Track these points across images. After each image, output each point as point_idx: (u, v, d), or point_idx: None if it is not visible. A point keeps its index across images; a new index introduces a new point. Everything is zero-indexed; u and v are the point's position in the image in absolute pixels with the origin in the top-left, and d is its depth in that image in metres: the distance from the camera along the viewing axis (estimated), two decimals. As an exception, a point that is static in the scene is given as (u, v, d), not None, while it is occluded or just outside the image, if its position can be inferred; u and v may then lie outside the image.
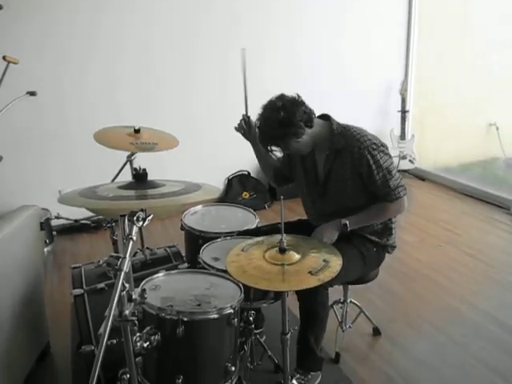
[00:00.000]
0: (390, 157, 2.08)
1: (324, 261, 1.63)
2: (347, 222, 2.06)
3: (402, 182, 2.09)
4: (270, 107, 1.99)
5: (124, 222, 1.36)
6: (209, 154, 4.45)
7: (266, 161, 2.41)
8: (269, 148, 2.09)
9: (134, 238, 1.36)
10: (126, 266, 1.31)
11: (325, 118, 2.14)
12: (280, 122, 1.95)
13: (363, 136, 2.05)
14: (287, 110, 1.96)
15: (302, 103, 2.01)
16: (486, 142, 4.84)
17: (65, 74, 3.85)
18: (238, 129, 2.36)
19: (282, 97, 2.00)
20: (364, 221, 2.13)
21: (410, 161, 5.03)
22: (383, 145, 2.08)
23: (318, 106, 2.09)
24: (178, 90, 4.26)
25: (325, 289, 2.00)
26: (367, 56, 4.89)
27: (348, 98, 4.72)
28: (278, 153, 2.18)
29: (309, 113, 2.02)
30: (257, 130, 2.07)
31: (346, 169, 2.07)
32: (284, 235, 1.66)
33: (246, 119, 2.33)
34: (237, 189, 4.59)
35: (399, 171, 2.15)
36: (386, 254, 2.27)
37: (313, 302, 2.01)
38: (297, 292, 1.98)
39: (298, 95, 2.02)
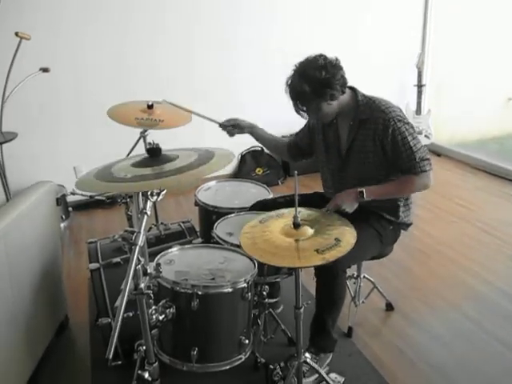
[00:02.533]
0: (414, 130, 2.05)
1: (336, 239, 1.60)
2: (363, 190, 2.00)
3: (428, 156, 2.04)
4: (310, 65, 1.95)
5: (138, 197, 1.37)
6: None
7: (271, 142, 2.40)
8: (298, 107, 2.03)
9: (149, 212, 1.37)
10: (141, 241, 1.33)
11: (350, 88, 2.10)
12: (321, 81, 1.92)
13: (388, 107, 2.01)
14: (328, 70, 1.92)
15: (341, 67, 1.99)
16: (504, 117, 4.75)
17: (78, 49, 3.83)
18: (231, 134, 2.38)
19: (324, 56, 1.96)
20: (385, 193, 2.07)
21: (425, 136, 4.95)
22: (406, 117, 2.05)
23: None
24: (191, 64, 4.22)
25: (344, 271, 1.99)
26: (383, 28, 4.78)
27: (363, 72, 4.60)
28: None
29: (345, 78, 1.99)
30: (290, 86, 1.99)
31: (368, 140, 2.03)
32: (301, 209, 1.64)
33: (224, 126, 2.37)
34: (250, 165, 4.58)
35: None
36: (402, 231, 2.26)
37: (332, 284, 1.99)
38: (316, 275, 1.98)
39: (336, 58, 1.99)
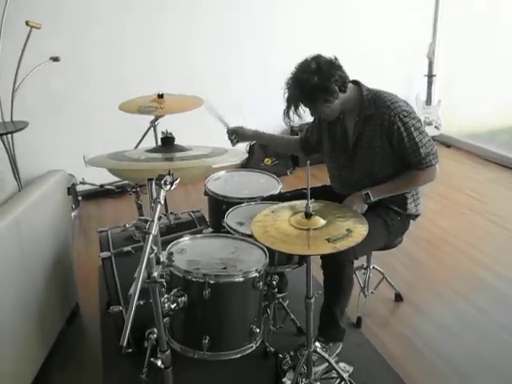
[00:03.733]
0: (422, 124, 2.03)
1: (347, 230, 1.60)
2: (369, 192, 2.04)
3: (434, 150, 2.03)
4: (304, 68, 1.92)
5: (151, 185, 1.38)
6: (231, 119, 4.42)
7: (281, 142, 2.41)
8: (292, 110, 2.01)
9: (162, 201, 1.38)
10: (154, 229, 1.33)
11: (354, 83, 2.08)
12: (313, 86, 1.89)
13: (394, 103, 1.99)
14: (323, 73, 1.89)
15: (339, 67, 1.95)
16: (515, 108, 4.70)
17: (89, 38, 3.83)
18: (234, 143, 2.39)
19: (318, 58, 1.93)
20: (391, 190, 2.09)
21: (435, 127, 4.92)
22: (412, 109, 2.03)
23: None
24: (202, 54, 4.21)
25: (350, 262, 2.00)
26: (394, 18, 4.73)
27: (373, 62, 4.60)
28: (296, 118, 2.11)
29: (344, 77, 1.96)
30: (286, 91, 1.99)
31: (375, 136, 2.02)
32: (312, 200, 1.65)
33: (229, 134, 2.40)
34: (259, 155, 4.57)
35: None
36: (411, 222, 2.26)
37: (339, 276, 2.00)
38: (323, 266, 1.99)
39: (335, 57, 1.95)
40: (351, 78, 2.08)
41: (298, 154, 2.51)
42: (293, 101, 1.99)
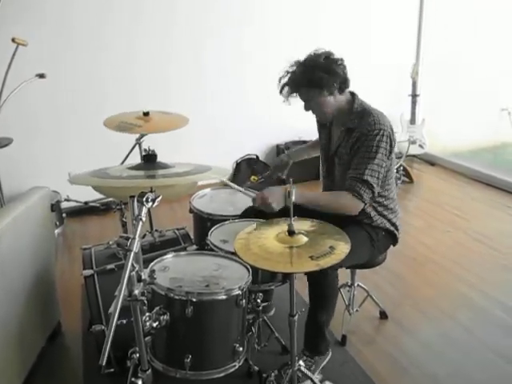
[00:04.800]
0: (391, 157, 2.03)
1: (330, 247, 1.61)
2: (293, 190, 1.81)
3: (374, 189, 1.98)
4: (315, 53, 2.00)
5: (133, 202, 1.38)
6: (217, 137, 4.45)
7: (310, 150, 2.47)
8: (289, 96, 2.04)
9: (144, 218, 1.38)
10: (136, 247, 1.33)
11: (351, 94, 2.12)
12: (319, 65, 1.96)
13: (380, 124, 1.99)
14: (331, 60, 1.98)
15: (345, 67, 2.03)
16: (498, 128, 4.78)
17: (75, 55, 3.82)
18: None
19: (328, 52, 2.02)
20: (314, 200, 2.02)
21: (419, 146, 4.97)
22: (394, 140, 2.04)
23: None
24: (188, 73, 4.24)
25: (334, 270, 2.00)
26: (377, 39, 4.81)
27: (357, 81, 4.65)
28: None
29: (346, 78, 2.03)
30: (287, 74, 2.03)
31: (348, 147, 2.04)
32: (294, 218, 1.65)
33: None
34: (245, 172, 4.58)
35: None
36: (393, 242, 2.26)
37: (322, 284, 2.00)
38: (306, 274, 1.98)
39: (342, 59, 2.03)
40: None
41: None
42: (293, 83, 2.01)
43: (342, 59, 2.02)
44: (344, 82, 2.02)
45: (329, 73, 1.96)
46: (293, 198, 1.77)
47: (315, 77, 1.96)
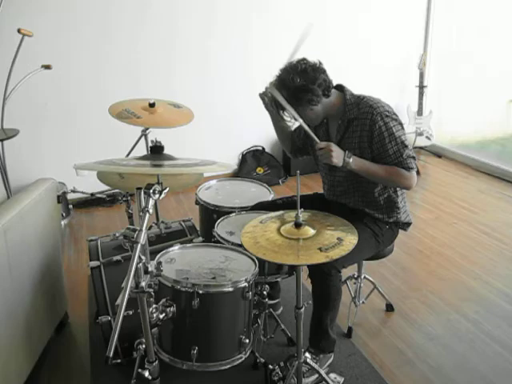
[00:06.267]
0: (403, 127, 2.03)
1: (338, 239, 1.60)
2: (351, 155, 1.94)
3: (414, 154, 2.02)
4: (289, 70, 1.95)
5: (140, 194, 1.37)
6: (223, 129, 4.44)
7: (283, 130, 2.38)
8: (281, 113, 2.05)
9: (151, 210, 1.37)
10: (143, 239, 1.32)
11: (338, 88, 2.10)
12: (298, 87, 1.92)
13: (376, 103, 2.00)
14: (307, 75, 1.92)
15: (323, 70, 1.98)
16: (506, 119, 4.74)
17: (81, 46, 3.82)
18: (262, 95, 2.23)
19: (303, 60, 1.95)
20: (371, 170, 2.00)
21: (426, 137, 4.94)
22: (396, 114, 2.03)
23: (333, 80, 2.05)
24: (194, 65, 4.22)
25: (338, 272, 1.99)
26: (385, 29, 4.78)
27: (364, 73, 4.64)
28: (289, 122, 2.15)
29: (328, 81, 1.99)
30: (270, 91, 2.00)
31: (354, 137, 2.03)
32: (301, 210, 1.65)
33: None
34: (251, 164, 4.58)
35: (415, 148, 2.11)
36: (402, 231, 2.25)
37: (326, 285, 1.98)
38: (310, 275, 1.97)
39: (319, 62, 1.98)
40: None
41: (286, 149, 2.45)
42: (276, 105, 2.01)
43: (319, 62, 1.98)
44: (327, 88, 1.99)
45: (307, 90, 1.93)
46: (351, 160, 1.92)
47: (296, 98, 1.94)
